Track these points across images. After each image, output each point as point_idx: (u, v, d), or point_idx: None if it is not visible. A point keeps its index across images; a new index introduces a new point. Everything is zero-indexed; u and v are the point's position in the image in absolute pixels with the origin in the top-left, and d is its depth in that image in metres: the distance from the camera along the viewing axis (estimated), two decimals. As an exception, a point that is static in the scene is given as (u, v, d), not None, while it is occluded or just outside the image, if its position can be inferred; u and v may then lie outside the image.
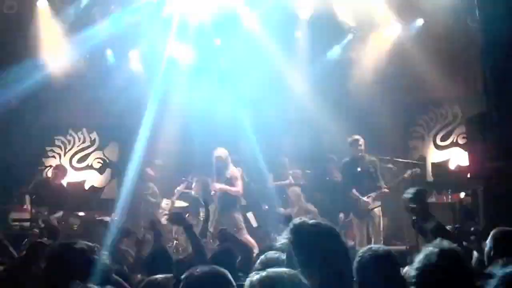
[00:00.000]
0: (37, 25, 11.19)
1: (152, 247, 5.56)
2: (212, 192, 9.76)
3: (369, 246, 3.55)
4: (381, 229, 9.18)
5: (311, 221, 2.74)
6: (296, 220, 2.78)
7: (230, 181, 9.52)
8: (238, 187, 9.56)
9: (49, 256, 3.14)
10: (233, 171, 9.64)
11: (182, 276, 2.74)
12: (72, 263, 2.86)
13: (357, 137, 9.34)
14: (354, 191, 9.17)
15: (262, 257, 4.04)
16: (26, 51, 11.08)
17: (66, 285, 2.62)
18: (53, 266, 2.98)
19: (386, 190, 9.15)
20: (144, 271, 4.78)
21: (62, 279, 2.74)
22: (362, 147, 9.21)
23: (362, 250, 3.41)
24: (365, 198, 9.09)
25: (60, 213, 10.25)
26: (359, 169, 9.19)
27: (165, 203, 11.37)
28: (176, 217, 5.53)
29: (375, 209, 9.10)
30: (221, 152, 9.64)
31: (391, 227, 10.32)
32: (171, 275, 3.73)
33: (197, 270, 2.70)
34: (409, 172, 9.24)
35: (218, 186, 9.49)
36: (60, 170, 10.93)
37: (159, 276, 3.65)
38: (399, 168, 10.30)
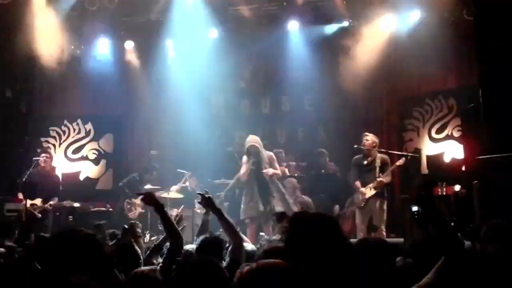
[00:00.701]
0: (32, 16, 11.11)
1: (119, 243, 5.12)
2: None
3: (363, 237, 3.57)
4: (384, 220, 9.28)
5: (311, 212, 2.72)
6: (297, 211, 2.77)
7: (271, 165, 9.31)
8: (279, 169, 9.52)
9: (52, 243, 3.06)
10: (270, 154, 9.46)
11: (174, 266, 2.74)
12: (74, 253, 2.79)
13: (365, 133, 9.59)
14: (357, 183, 9.40)
15: (265, 247, 4.06)
16: (21, 42, 11.02)
17: (67, 275, 2.59)
18: (56, 254, 2.90)
19: (381, 179, 9.21)
20: None
21: (63, 268, 2.69)
22: (365, 143, 9.38)
23: (356, 241, 3.42)
24: (362, 189, 9.25)
25: (55, 200, 10.22)
26: (365, 162, 9.39)
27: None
28: (208, 200, 4.94)
29: (376, 201, 9.19)
30: (253, 139, 9.35)
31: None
32: (156, 267, 3.71)
33: (190, 259, 2.69)
34: (402, 159, 9.37)
35: (271, 171, 9.20)
36: (49, 157, 10.72)
37: (145, 268, 3.63)
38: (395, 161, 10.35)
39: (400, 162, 9.37)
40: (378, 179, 9.22)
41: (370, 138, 9.45)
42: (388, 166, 9.37)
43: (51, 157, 10.76)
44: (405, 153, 10.04)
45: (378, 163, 9.31)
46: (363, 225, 9.27)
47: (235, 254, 4.22)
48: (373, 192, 9.22)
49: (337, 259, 2.55)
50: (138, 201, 11.00)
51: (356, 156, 9.59)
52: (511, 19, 7.23)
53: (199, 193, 5.02)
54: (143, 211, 10.87)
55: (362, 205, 9.28)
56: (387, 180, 9.30)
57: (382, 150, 9.95)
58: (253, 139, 9.34)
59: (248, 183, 9.34)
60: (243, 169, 9.36)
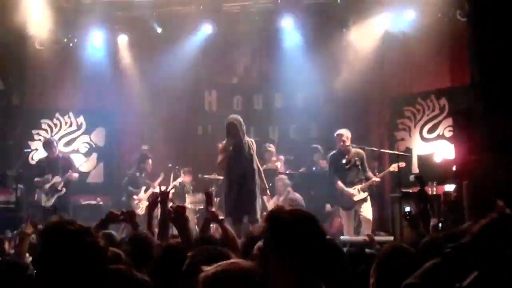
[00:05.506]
0: (24, 8, 11.05)
1: None
2: None
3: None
4: (371, 219, 9.20)
5: (288, 208, 2.69)
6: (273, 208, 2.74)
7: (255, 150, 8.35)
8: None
9: (44, 237, 2.98)
10: (251, 141, 8.41)
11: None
12: (65, 247, 2.72)
13: (340, 132, 9.27)
14: (338, 183, 9.19)
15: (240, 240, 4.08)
16: (13, 34, 10.98)
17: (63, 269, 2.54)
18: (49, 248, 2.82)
19: (377, 179, 9.20)
20: None
21: (58, 262, 2.63)
22: (346, 142, 9.18)
23: None
24: (350, 190, 9.12)
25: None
26: (344, 161, 9.19)
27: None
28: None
29: (363, 200, 9.13)
30: (233, 116, 8.31)
31: (376, 217, 10.38)
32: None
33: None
34: (394, 165, 9.29)
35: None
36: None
37: None
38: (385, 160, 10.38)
39: (394, 168, 9.29)
40: (375, 179, 9.16)
41: (345, 134, 9.20)
42: (364, 161, 9.29)
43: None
44: (396, 152, 10.07)
45: (357, 160, 9.18)
46: (350, 226, 9.16)
47: None
48: (363, 195, 9.16)
49: (317, 255, 2.53)
50: (142, 195, 11.05)
51: (332, 153, 9.45)
52: (504, 20, 7.26)
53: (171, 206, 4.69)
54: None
55: (351, 205, 9.17)
56: (377, 183, 9.31)
57: (372, 149, 10.01)
58: (232, 116, 8.25)
59: (229, 174, 8.11)
60: (219, 156, 8.12)
